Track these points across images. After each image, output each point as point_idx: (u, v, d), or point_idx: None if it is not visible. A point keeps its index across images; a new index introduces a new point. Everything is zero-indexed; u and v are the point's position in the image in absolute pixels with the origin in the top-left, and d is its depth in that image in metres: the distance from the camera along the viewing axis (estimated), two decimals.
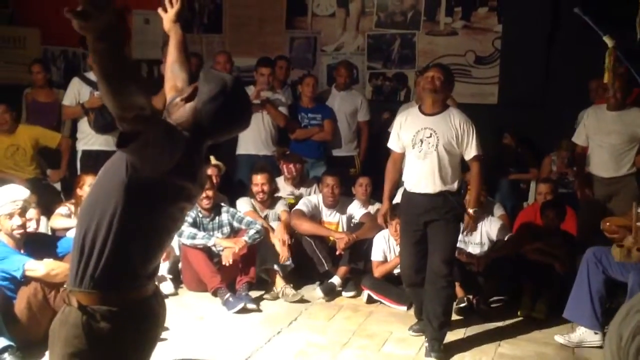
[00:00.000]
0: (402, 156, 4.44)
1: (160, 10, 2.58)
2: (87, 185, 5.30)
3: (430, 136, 4.19)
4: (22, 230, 4.12)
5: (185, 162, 1.99)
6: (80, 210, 2.10)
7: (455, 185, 4.30)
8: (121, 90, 1.73)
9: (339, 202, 5.83)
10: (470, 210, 4.53)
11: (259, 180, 5.78)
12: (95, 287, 1.99)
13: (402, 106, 6.69)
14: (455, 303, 4.94)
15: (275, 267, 5.42)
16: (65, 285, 2.08)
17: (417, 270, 4.40)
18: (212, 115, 2.06)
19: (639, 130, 5.30)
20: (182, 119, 2.06)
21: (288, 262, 5.48)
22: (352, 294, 5.47)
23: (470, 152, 4.27)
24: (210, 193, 5.33)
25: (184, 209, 2.17)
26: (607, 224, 4.61)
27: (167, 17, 2.57)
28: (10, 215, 4.06)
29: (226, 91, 2.07)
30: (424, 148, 4.21)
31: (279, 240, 5.49)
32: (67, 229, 4.99)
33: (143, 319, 2.10)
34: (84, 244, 1.99)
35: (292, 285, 5.38)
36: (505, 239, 5.44)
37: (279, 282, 5.37)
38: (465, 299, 5.10)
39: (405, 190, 4.44)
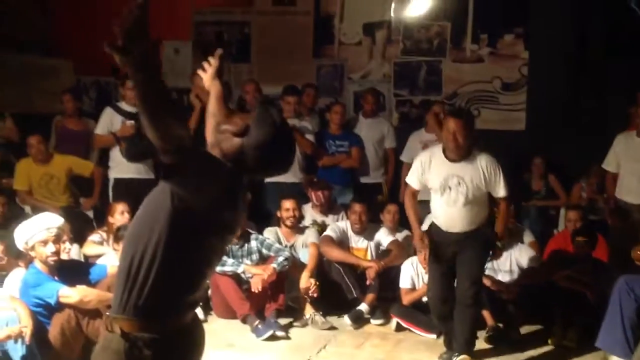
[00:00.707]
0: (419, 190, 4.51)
1: (200, 71, 2.68)
2: (118, 213, 5.39)
3: (459, 184, 4.20)
4: (56, 257, 4.17)
5: (227, 192, 2.04)
6: (125, 238, 2.14)
7: (485, 220, 4.37)
8: (162, 121, 1.79)
9: (367, 228, 5.84)
10: (498, 244, 4.55)
11: (288, 205, 5.81)
12: (138, 315, 2.02)
13: (413, 134, 6.73)
14: (485, 331, 4.92)
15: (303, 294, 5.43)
16: (107, 312, 2.11)
17: (446, 301, 4.46)
18: (256, 160, 2.10)
19: None
20: (228, 151, 2.10)
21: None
22: (380, 321, 5.46)
23: (499, 192, 4.32)
24: None
25: (226, 241, 2.21)
26: (638, 252, 4.57)
27: (207, 75, 2.67)
28: (45, 243, 4.12)
29: (274, 141, 2.10)
30: (453, 195, 4.23)
31: (302, 292, 5.45)
32: (99, 256, 5.07)
33: (184, 347, 2.13)
34: (129, 271, 2.02)
35: (321, 312, 5.38)
36: (535, 266, 5.40)
37: (309, 310, 5.38)
38: (495, 327, 5.06)
39: (434, 223, 4.48)
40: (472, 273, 4.34)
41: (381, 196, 6.76)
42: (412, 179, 4.45)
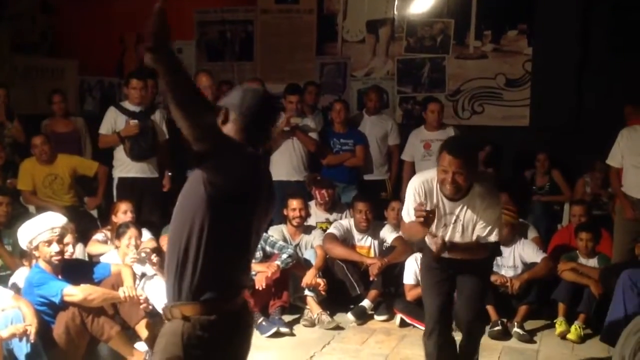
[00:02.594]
0: None
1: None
2: (121, 212, 5.41)
3: (455, 222, 3.61)
4: (60, 257, 4.20)
5: (253, 171, 2.28)
6: (169, 232, 2.31)
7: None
8: (192, 112, 1.99)
9: (371, 226, 5.84)
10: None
11: (295, 205, 5.80)
12: (194, 299, 2.17)
13: (413, 131, 6.73)
14: (489, 327, 4.91)
15: (308, 293, 5.43)
16: (164, 305, 2.27)
17: (445, 314, 3.84)
18: (254, 107, 2.32)
19: None
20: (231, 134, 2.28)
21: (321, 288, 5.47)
22: (384, 317, 5.46)
23: (487, 237, 3.63)
24: None
25: (262, 222, 2.39)
26: None
27: None
28: (49, 242, 4.15)
29: (246, 87, 2.41)
30: (449, 233, 3.64)
31: (307, 277, 5.43)
32: (103, 254, 5.09)
33: (237, 329, 2.30)
34: (178, 261, 2.19)
35: (328, 312, 5.38)
36: (539, 260, 5.39)
37: (315, 308, 5.37)
38: (499, 322, 5.06)
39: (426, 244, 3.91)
40: (476, 300, 3.82)
41: (385, 193, 6.76)
42: (407, 215, 3.71)
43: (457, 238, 3.65)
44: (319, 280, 5.41)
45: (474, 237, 3.60)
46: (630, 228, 5.40)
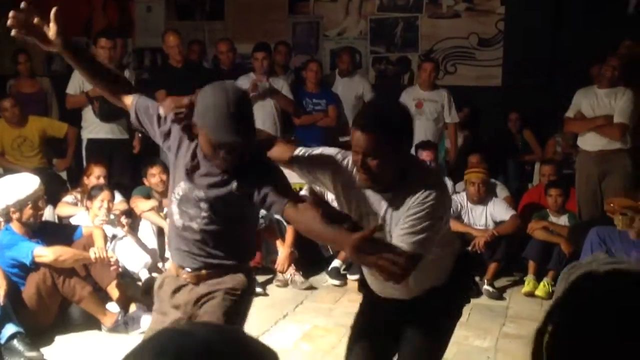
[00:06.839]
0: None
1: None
2: (94, 177, 5.33)
3: (382, 227, 2.32)
4: (33, 219, 4.17)
5: None
6: None
7: (449, 268, 2.55)
8: None
9: None
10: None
11: None
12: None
13: (406, 90, 6.66)
14: None
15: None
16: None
17: None
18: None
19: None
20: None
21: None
22: (357, 276, 5.47)
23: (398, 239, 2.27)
24: None
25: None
26: (611, 204, 4.64)
27: None
28: (23, 205, 4.11)
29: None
30: None
31: (281, 263, 5.39)
32: (73, 216, 5.03)
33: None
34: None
35: (301, 272, 5.40)
36: (509, 218, 5.44)
37: (289, 269, 5.39)
38: None
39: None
40: None
41: None
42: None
43: None
44: (291, 269, 5.36)
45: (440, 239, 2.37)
46: (590, 187, 5.48)
